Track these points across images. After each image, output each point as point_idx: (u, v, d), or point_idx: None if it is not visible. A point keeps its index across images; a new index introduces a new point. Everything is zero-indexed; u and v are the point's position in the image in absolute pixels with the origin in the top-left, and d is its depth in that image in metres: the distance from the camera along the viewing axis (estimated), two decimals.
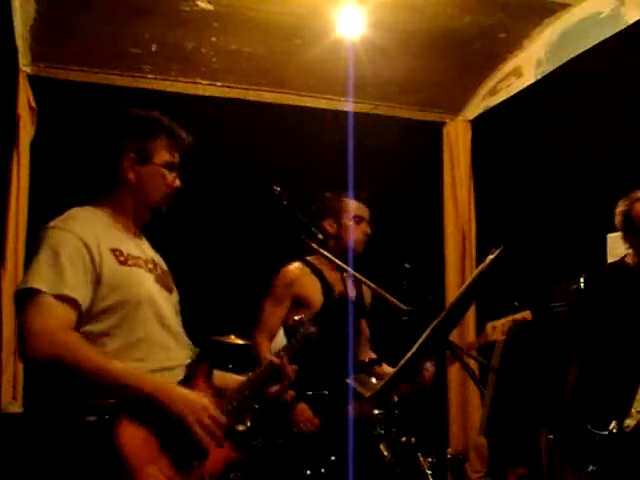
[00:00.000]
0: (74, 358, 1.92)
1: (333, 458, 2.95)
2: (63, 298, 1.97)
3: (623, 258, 3.30)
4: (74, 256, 2.01)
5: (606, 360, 3.05)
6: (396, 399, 3.15)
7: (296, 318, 2.47)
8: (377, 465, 3.05)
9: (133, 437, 1.91)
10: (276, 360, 2.27)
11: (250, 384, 2.25)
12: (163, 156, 2.23)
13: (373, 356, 3.43)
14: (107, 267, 2.06)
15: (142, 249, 2.26)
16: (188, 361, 2.18)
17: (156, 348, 2.11)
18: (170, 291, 2.28)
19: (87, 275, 2.02)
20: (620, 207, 3.24)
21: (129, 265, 2.12)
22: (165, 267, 2.33)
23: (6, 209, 4.24)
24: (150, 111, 2.28)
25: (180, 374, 2.13)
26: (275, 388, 2.29)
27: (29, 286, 1.95)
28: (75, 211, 2.17)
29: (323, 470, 2.92)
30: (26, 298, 1.95)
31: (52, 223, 2.09)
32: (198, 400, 2.01)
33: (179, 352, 2.19)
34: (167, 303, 2.22)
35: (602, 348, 3.09)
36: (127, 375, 1.97)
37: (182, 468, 1.98)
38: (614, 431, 2.79)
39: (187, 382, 2.11)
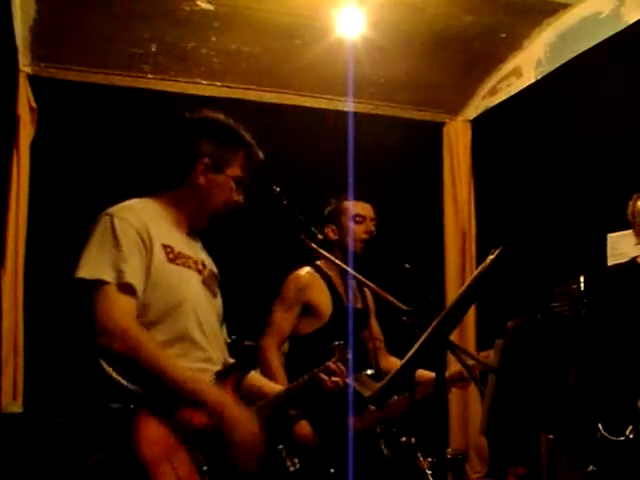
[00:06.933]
0: (146, 358, 1.97)
1: (332, 471, 2.92)
2: (126, 287, 2.01)
3: (634, 259, 3.23)
4: (133, 245, 2.05)
5: (611, 361, 3.02)
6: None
7: (336, 343, 2.43)
8: (377, 465, 3.04)
9: (153, 430, 1.92)
10: (323, 376, 2.26)
11: (286, 398, 2.24)
12: (236, 170, 2.26)
13: (393, 361, 3.40)
14: (156, 261, 2.09)
15: (194, 249, 2.28)
16: (219, 368, 2.18)
17: (193, 348, 2.12)
18: (215, 295, 2.29)
19: (143, 265, 2.06)
20: (633, 201, 3.18)
21: (177, 264, 2.14)
22: (215, 270, 2.35)
23: (6, 209, 4.24)
24: (235, 122, 2.33)
25: (211, 380, 2.14)
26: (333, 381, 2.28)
27: (97, 277, 2.00)
28: (133, 202, 2.19)
29: None
30: (93, 288, 2.00)
31: (110, 210, 2.12)
32: (252, 426, 2.03)
33: (214, 356, 2.19)
34: (210, 306, 2.24)
35: (609, 350, 3.05)
36: (192, 381, 2.01)
37: (202, 470, 1.96)
38: (631, 437, 2.76)
39: None
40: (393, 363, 3.40)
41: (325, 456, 2.96)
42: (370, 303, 3.44)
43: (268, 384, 2.39)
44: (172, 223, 2.22)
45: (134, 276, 2.03)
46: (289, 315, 3.23)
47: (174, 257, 2.14)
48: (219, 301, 2.33)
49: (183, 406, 1.99)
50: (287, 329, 3.24)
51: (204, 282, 2.23)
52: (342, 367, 2.28)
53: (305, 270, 3.31)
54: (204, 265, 2.27)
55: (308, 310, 3.23)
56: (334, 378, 2.25)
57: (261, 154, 2.32)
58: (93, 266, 2.01)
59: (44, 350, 4.26)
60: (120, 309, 2.00)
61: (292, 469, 2.17)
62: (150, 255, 2.08)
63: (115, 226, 2.06)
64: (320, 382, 2.24)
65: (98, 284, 2.00)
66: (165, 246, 2.13)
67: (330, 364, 2.26)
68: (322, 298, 3.25)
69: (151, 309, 2.07)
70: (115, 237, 2.05)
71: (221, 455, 1.98)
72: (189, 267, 2.19)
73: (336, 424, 2.97)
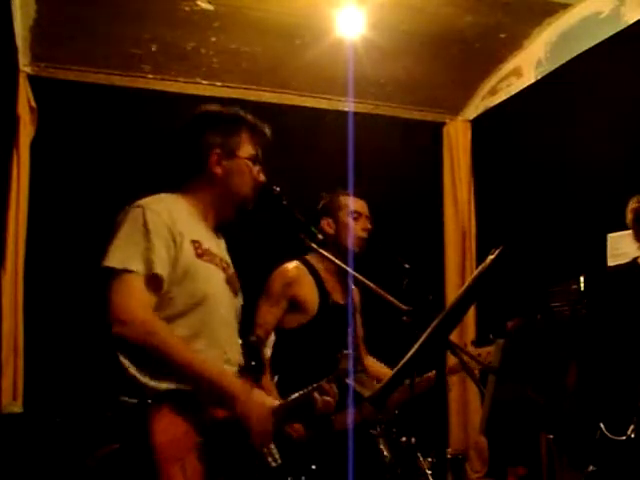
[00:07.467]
0: (164, 348, 1.98)
1: (314, 467, 2.91)
2: (154, 278, 2.02)
3: (635, 259, 3.22)
4: (163, 237, 2.06)
5: (612, 361, 3.02)
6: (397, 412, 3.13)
7: (344, 352, 2.41)
8: (377, 465, 3.04)
9: (169, 428, 1.91)
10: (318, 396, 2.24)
11: (280, 413, 2.25)
12: (247, 150, 2.27)
13: (372, 361, 3.41)
14: (184, 256, 2.09)
15: (220, 248, 2.29)
16: (236, 369, 2.18)
17: (213, 345, 2.13)
18: (236, 293, 2.30)
19: (171, 258, 2.06)
20: (631, 205, 3.15)
21: (204, 260, 2.15)
22: (233, 270, 2.34)
23: (6, 209, 4.24)
24: (232, 107, 2.33)
25: None
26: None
27: (125, 267, 2.00)
28: (163, 196, 2.19)
29: (304, 478, 2.87)
30: (117, 276, 2.00)
31: (141, 202, 2.12)
32: (267, 408, 2.06)
33: (232, 357, 2.19)
34: (230, 305, 2.25)
35: (610, 350, 3.04)
36: (211, 369, 2.02)
37: (210, 473, 1.96)
38: (632, 436, 2.76)
39: None
40: (372, 363, 3.40)
41: (308, 452, 2.94)
42: (356, 299, 3.42)
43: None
44: (199, 219, 2.23)
45: (163, 267, 2.03)
46: (275, 310, 3.17)
47: (202, 253, 2.15)
48: (239, 300, 2.33)
49: (201, 398, 1.99)
50: (272, 324, 3.17)
51: (228, 281, 2.24)
52: (335, 389, 2.27)
53: (293, 264, 3.25)
54: (227, 264, 2.28)
55: (294, 305, 3.18)
56: (326, 398, 2.26)
57: (267, 130, 2.33)
58: (122, 256, 2.01)
59: (44, 350, 4.26)
60: (140, 300, 2.00)
61: (274, 465, 2.16)
62: (179, 249, 2.08)
63: (146, 218, 2.06)
64: (313, 401, 2.24)
65: (124, 273, 2.00)
66: (194, 241, 2.14)
67: (324, 384, 2.26)
68: (309, 294, 3.20)
69: (174, 302, 2.07)
70: (146, 228, 2.05)
71: (230, 458, 1.98)
72: (215, 264, 2.20)
73: (320, 421, 2.95)
